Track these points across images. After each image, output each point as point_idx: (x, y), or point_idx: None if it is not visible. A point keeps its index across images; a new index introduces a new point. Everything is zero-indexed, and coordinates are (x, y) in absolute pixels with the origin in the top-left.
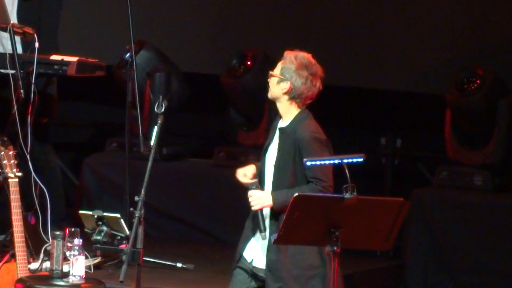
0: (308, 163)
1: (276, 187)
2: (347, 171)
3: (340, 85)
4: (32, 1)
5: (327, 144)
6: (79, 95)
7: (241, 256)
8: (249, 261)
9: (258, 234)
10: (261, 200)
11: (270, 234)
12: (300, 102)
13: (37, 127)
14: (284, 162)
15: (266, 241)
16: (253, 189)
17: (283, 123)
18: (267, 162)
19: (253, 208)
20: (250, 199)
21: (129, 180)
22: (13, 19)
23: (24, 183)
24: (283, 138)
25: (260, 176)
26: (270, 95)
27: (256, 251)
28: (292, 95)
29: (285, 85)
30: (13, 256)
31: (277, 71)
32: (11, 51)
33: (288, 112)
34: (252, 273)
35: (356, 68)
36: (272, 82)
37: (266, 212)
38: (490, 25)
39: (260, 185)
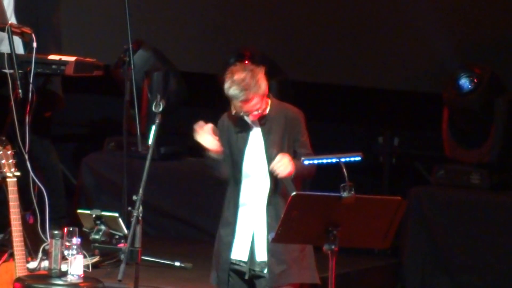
0: (306, 162)
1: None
2: (344, 170)
3: (338, 84)
4: None
5: None
6: (77, 94)
7: (230, 261)
8: (245, 261)
9: (247, 234)
10: (288, 165)
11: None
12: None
13: (38, 121)
14: (280, 142)
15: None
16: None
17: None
18: (250, 155)
19: (282, 175)
20: (279, 164)
21: (127, 179)
22: (11, 18)
23: (23, 182)
24: (268, 125)
25: (238, 173)
26: None
27: (257, 247)
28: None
29: None
30: (12, 255)
31: None
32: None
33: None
34: (250, 272)
35: (354, 67)
36: None
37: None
38: (486, 23)
39: (237, 181)
